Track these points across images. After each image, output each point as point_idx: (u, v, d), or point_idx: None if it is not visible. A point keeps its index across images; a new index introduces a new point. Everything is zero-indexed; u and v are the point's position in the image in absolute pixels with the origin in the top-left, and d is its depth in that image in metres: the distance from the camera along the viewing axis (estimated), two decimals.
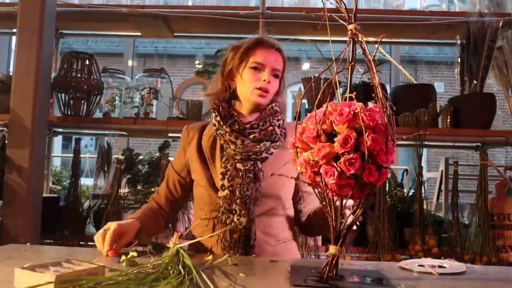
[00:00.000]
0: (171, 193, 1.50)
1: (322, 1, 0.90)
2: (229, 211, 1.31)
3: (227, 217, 1.31)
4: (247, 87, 1.38)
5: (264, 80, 1.36)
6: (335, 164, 0.84)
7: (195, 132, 1.48)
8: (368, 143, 0.82)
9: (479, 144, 2.63)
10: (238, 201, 1.30)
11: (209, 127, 1.47)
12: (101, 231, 1.21)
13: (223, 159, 1.36)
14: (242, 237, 1.30)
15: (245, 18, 2.44)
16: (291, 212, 1.46)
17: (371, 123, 0.83)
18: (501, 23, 2.37)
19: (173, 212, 1.52)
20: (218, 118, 1.39)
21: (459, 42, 2.56)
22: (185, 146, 1.48)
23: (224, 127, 1.36)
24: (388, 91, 2.58)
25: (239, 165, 1.34)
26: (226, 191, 1.32)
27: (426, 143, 2.55)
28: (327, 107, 0.88)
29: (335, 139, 0.85)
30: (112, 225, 1.21)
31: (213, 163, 1.40)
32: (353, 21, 0.89)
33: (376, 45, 0.92)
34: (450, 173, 2.72)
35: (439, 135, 2.42)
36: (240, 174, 1.32)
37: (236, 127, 1.36)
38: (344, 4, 0.90)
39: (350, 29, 0.90)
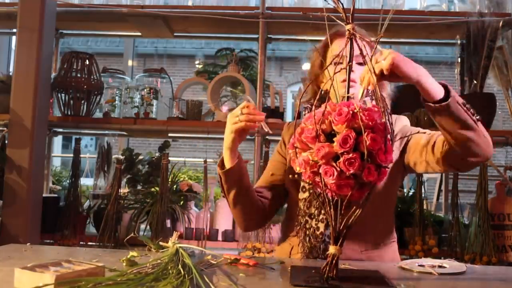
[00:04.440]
0: (272, 176, 1.39)
1: (323, 0, 0.90)
2: (308, 215, 1.26)
3: (306, 221, 1.26)
4: (334, 83, 1.26)
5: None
6: (334, 164, 0.84)
7: (293, 128, 1.39)
8: (367, 143, 0.82)
9: None
10: (317, 204, 1.25)
11: None
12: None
13: None
14: (321, 244, 1.23)
15: (245, 18, 2.44)
16: (389, 211, 1.35)
17: (370, 123, 0.83)
18: (501, 23, 2.37)
19: (274, 199, 1.38)
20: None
21: (459, 42, 2.56)
22: (284, 140, 1.44)
23: None
24: None
25: None
26: (307, 193, 1.27)
27: None
28: (326, 107, 0.87)
29: (334, 139, 0.84)
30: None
31: None
32: (350, 21, 0.90)
33: (377, 45, 0.92)
34: (450, 173, 2.72)
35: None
36: None
37: None
38: (342, 4, 0.91)
39: (348, 29, 0.90)
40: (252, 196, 1.31)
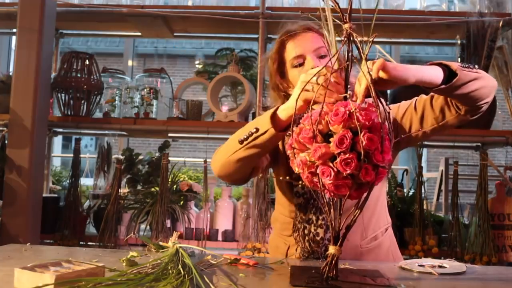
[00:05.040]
0: None
1: (323, 1, 0.90)
2: (306, 221, 1.24)
3: (304, 227, 1.24)
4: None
5: (312, 68, 1.16)
6: (331, 165, 0.84)
7: None
8: (364, 143, 0.81)
9: (479, 144, 2.63)
10: (313, 210, 1.23)
11: None
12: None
13: None
14: (321, 248, 1.22)
15: (245, 18, 2.44)
16: (382, 196, 1.32)
17: (367, 123, 0.83)
18: (501, 23, 2.37)
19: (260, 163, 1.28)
20: None
21: (459, 42, 2.56)
22: None
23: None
24: (388, 91, 2.58)
25: None
26: (301, 199, 1.25)
27: (426, 143, 2.54)
28: (322, 107, 0.87)
29: (331, 139, 0.84)
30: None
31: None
32: (348, 20, 0.90)
33: (376, 45, 0.93)
34: (450, 173, 2.73)
35: (439, 135, 2.42)
36: None
37: None
38: (338, 4, 0.91)
39: (345, 29, 0.90)
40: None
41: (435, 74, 1.05)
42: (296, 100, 0.98)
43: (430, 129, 1.22)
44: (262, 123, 1.09)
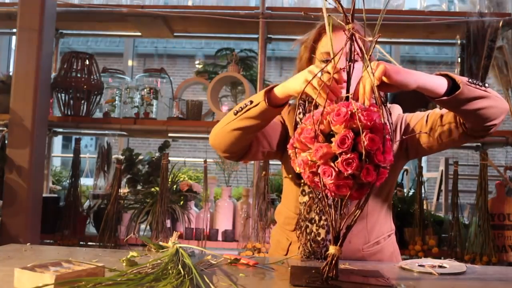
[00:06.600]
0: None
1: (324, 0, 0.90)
2: (309, 220, 1.25)
3: (306, 226, 1.25)
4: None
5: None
6: (332, 165, 0.84)
7: (293, 113, 1.32)
8: (365, 143, 0.81)
9: (479, 144, 2.63)
10: (317, 210, 1.24)
11: None
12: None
13: None
14: (322, 249, 1.23)
15: (245, 18, 2.44)
16: (388, 203, 1.33)
17: (369, 123, 0.83)
18: (501, 23, 2.37)
19: (256, 140, 1.27)
20: (301, 116, 1.27)
21: (459, 42, 2.56)
22: (283, 116, 1.34)
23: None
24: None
25: None
26: (306, 197, 1.26)
27: None
28: (324, 107, 0.87)
29: (333, 139, 0.84)
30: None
31: None
32: (351, 21, 0.90)
33: (377, 45, 0.93)
34: (450, 173, 2.73)
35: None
36: None
37: None
38: (341, 5, 0.91)
39: (348, 29, 0.90)
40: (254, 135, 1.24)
41: (437, 84, 1.05)
42: (301, 95, 1.01)
43: (436, 143, 1.22)
44: (257, 96, 1.14)
